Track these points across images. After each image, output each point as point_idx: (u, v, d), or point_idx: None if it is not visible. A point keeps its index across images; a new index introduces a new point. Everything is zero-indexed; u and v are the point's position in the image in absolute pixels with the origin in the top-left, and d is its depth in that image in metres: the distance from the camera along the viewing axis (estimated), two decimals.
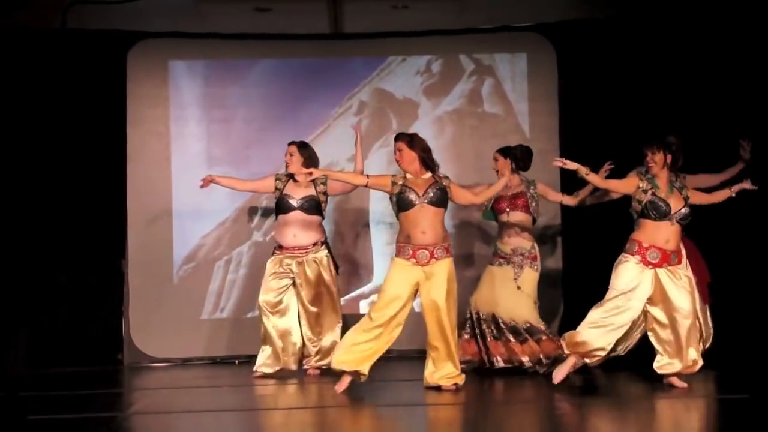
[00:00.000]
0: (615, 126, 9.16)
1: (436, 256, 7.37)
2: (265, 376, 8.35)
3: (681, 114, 8.95)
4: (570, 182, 8.30)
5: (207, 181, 8.35)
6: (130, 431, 6.66)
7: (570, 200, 8.30)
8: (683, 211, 7.35)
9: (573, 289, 9.26)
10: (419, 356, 7.74)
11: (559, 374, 7.39)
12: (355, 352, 7.34)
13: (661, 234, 7.34)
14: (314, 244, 8.41)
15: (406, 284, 7.36)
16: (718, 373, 7.79)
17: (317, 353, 8.48)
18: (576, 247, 9.37)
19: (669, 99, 9.10)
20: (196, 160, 9.57)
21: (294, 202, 8.36)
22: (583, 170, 7.36)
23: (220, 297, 9.55)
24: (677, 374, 7.37)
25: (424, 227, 7.36)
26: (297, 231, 8.36)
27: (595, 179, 7.49)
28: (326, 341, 8.47)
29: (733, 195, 7.47)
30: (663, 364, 7.41)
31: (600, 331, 7.33)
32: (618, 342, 7.91)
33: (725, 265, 8.62)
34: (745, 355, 8.35)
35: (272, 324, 8.39)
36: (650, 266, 7.33)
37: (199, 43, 9.66)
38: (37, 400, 7.59)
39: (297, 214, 8.36)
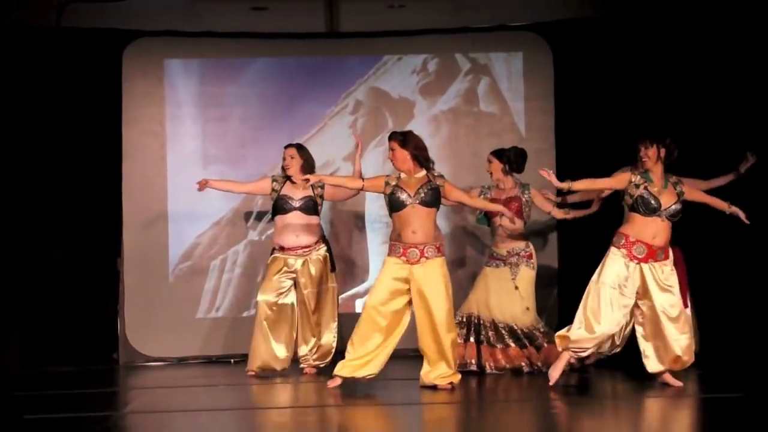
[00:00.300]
0: (611, 125, 9.17)
1: (426, 255, 7.36)
2: (258, 375, 8.35)
3: (676, 113, 8.96)
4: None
5: (203, 185, 8.35)
6: (125, 430, 6.65)
7: (559, 214, 8.30)
8: (673, 207, 7.33)
9: (569, 287, 9.25)
10: (415, 355, 7.73)
11: (554, 373, 7.38)
12: (359, 362, 7.40)
13: (649, 229, 7.33)
14: (316, 242, 8.42)
15: (393, 287, 7.37)
16: (703, 373, 7.78)
17: (315, 352, 8.48)
18: (572, 244, 9.36)
19: (664, 98, 9.10)
20: (191, 159, 9.56)
21: (294, 203, 8.36)
22: (565, 186, 7.40)
23: (215, 296, 9.53)
24: (669, 372, 7.37)
25: (415, 227, 7.36)
26: (298, 231, 8.36)
27: (582, 185, 7.51)
28: (324, 341, 8.48)
29: (728, 212, 7.43)
30: (649, 362, 7.41)
31: (590, 335, 7.33)
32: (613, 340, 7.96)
33: (711, 266, 8.66)
34: (731, 354, 8.35)
35: (268, 324, 8.37)
36: (635, 261, 7.33)
37: (194, 42, 9.65)
38: (32, 400, 7.58)
39: (296, 215, 8.36)
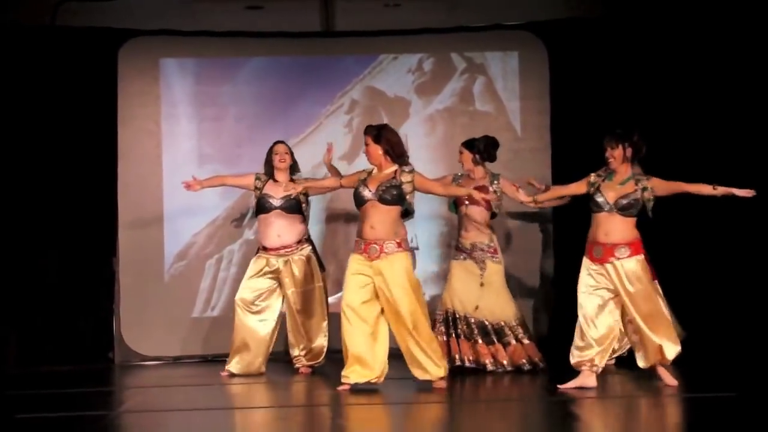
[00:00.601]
0: (606, 124, 9.09)
1: (386, 250, 7.30)
2: (233, 375, 8.33)
3: (672, 113, 8.98)
4: (562, 180, 8.29)
5: (194, 186, 8.35)
6: (120, 429, 6.65)
7: (531, 202, 8.21)
8: (623, 200, 7.22)
9: (565, 288, 9.26)
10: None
11: (563, 385, 7.31)
12: (361, 369, 7.36)
13: (601, 227, 7.28)
14: (299, 242, 8.40)
15: (361, 284, 7.33)
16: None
17: (306, 353, 8.46)
18: (568, 246, 9.36)
19: (660, 98, 9.11)
20: (187, 158, 9.55)
21: (275, 202, 8.35)
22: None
23: (211, 295, 9.53)
24: (663, 368, 7.33)
25: (373, 222, 7.33)
26: (280, 230, 8.35)
27: (550, 194, 7.57)
28: (315, 343, 8.44)
29: (719, 195, 7.23)
30: (639, 357, 7.38)
31: (585, 343, 7.30)
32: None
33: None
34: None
35: (245, 324, 8.36)
36: (597, 263, 7.30)
37: (190, 41, 9.65)
38: (27, 399, 7.57)
39: (278, 214, 8.34)
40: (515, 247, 9.52)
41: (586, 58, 9.43)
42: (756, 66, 8.65)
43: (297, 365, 8.50)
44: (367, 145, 7.45)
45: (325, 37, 9.77)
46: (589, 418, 6.68)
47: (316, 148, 9.33)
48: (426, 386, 7.45)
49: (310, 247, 8.48)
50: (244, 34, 9.66)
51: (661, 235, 8.75)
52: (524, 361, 8.14)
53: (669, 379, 7.34)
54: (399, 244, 7.35)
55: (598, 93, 9.35)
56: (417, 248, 9.48)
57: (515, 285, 9.48)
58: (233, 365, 8.38)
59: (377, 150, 7.40)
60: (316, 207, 9.50)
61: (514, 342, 8.18)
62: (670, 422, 6.60)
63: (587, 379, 7.30)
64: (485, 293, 8.23)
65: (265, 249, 8.40)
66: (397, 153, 7.40)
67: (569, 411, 6.77)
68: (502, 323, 8.21)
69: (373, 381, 7.39)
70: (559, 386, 7.31)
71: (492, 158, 8.37)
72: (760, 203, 7.79)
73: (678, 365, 7.45)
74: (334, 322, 8.51)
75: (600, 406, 7.03)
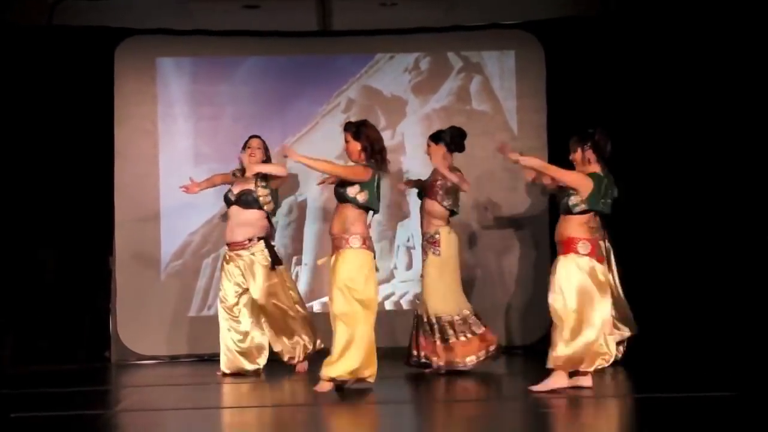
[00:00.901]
0: (603, 123, 9.12)
1: (338, 245, 7.19)
2: (225, 375, 8.31)
3: (668, 111, 8.99)
4: None
5: (192, 189, 8.37)
6: (117, 428, 6.65)
7: (466, 188, 8.14)
8: (562, 198, 7.16)
9: None
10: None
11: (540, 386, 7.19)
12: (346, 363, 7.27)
13: None
14: (249, 240, 8.29)
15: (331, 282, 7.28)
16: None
17: (293, 349, 8.40)
18: None
19: (657, 97, 9.11)
20: (183, 158, 9.56)
21: (231, 197, 8.33)
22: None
23: (207, 294, 9.53)
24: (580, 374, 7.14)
25: (333, 218, 7.29)
26: (234, 226, 8.30)
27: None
28: (297, 338, 8.37)
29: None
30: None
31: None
32: None
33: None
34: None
35: (229, 324, 8.34)
36: None
37: (187, 40, 9.65)
38: (23, 398, 7.56)
39: (234, 210, 8.30)
40: (512, 246, 9.54)
41: (582, 57, 9.43)
42: (752, 64, 8.64)
43: (292, 364, 8.46)
44: (347, 142, 7.29)
45: (322, 36, 9.78)
46: (583, 418, 6.69)
47: (313, 147, 9.29)
48: (422, 385, 7.43)
49: (263, 246, 8.32)
50: (241, 33, 9.66)
51: (658, 234, 8.80)
52: (458, 360, 8.01)
53: (544, 383, 7.03)
54: (347, 241, 7.17)
55: (595, 91, 9.35)
56: (413, 248, 9.50)
57: (513, 285, 9.52)
58: (225, 367, 8.36)
59: (356, 147, 7.26)
60: (314, 206, 9.52)
61: (453, 340, 7.99)
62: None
63: (582, 380, 7.27)
64: (425, 286, 8.10)
65: (227, 245, 8.41)
66: (375, 150, 7.25)
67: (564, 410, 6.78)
68: (434, 320, 8.04)
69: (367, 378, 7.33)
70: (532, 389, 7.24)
71: (460, 149, 8.27)
72: (759, 202, 7.83)
73: (661, 364, 7.38)
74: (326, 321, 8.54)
75: (590, 406, 7.02)
